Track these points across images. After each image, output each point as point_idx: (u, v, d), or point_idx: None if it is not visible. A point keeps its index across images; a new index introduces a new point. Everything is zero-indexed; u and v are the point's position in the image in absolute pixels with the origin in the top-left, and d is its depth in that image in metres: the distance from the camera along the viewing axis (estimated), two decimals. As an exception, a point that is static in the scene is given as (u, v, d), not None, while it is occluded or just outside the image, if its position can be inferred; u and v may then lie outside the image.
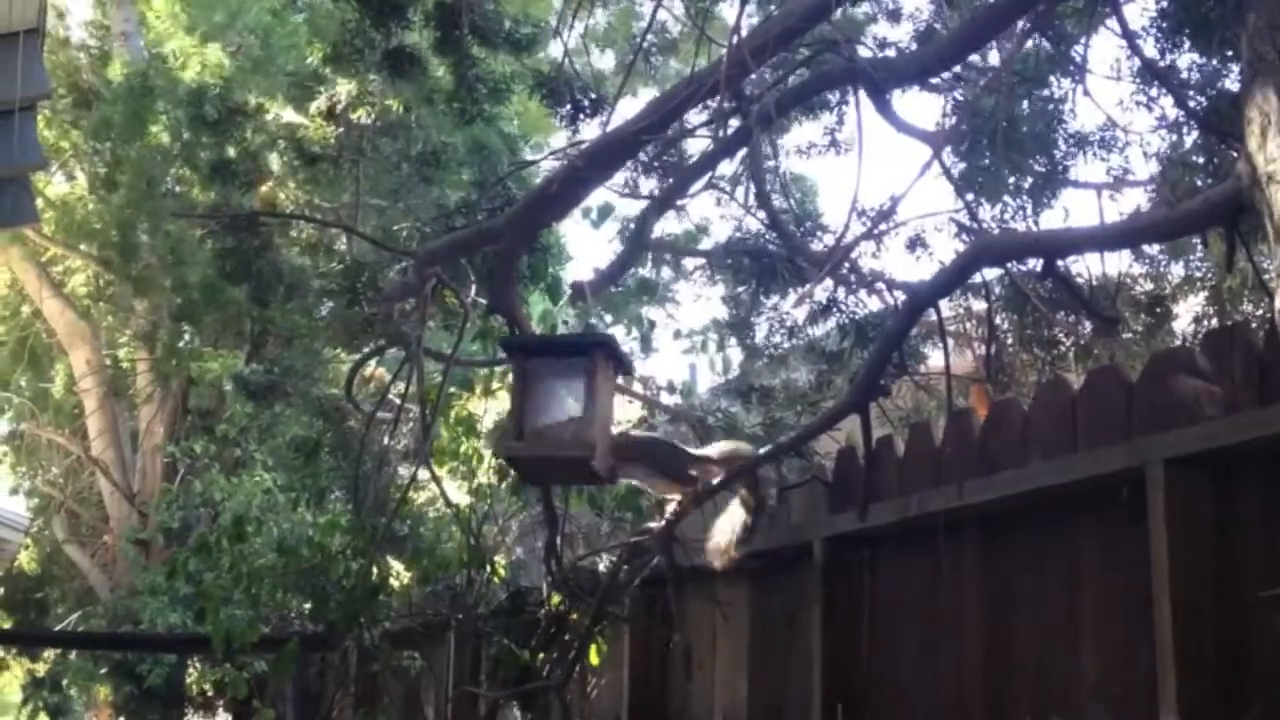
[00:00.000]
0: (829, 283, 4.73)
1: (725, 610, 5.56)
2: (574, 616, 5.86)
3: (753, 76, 4.27)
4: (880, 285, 4.24)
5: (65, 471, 18.81)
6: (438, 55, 7.00)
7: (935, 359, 5.74)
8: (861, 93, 4.11)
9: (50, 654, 18.13)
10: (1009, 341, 5.54)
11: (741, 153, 4.52)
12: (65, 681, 17.32)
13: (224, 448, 11.97)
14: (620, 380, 4.52)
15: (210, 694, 12.34)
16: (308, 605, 6.45)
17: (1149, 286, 5.97)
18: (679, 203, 5.03)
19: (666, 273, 9.27)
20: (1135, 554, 3.78)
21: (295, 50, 10.14)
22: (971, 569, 4.52)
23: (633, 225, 5.37)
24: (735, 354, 6.47)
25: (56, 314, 16.94)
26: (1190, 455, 3.64)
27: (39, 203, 17.28)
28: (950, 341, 5.84)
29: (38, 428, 18.94)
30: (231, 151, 8.29)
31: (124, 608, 13.10)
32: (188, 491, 11.95)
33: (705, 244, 8.18)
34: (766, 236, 5.04)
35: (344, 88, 7.46)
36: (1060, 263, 3.85)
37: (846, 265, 4.38)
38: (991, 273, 4.98)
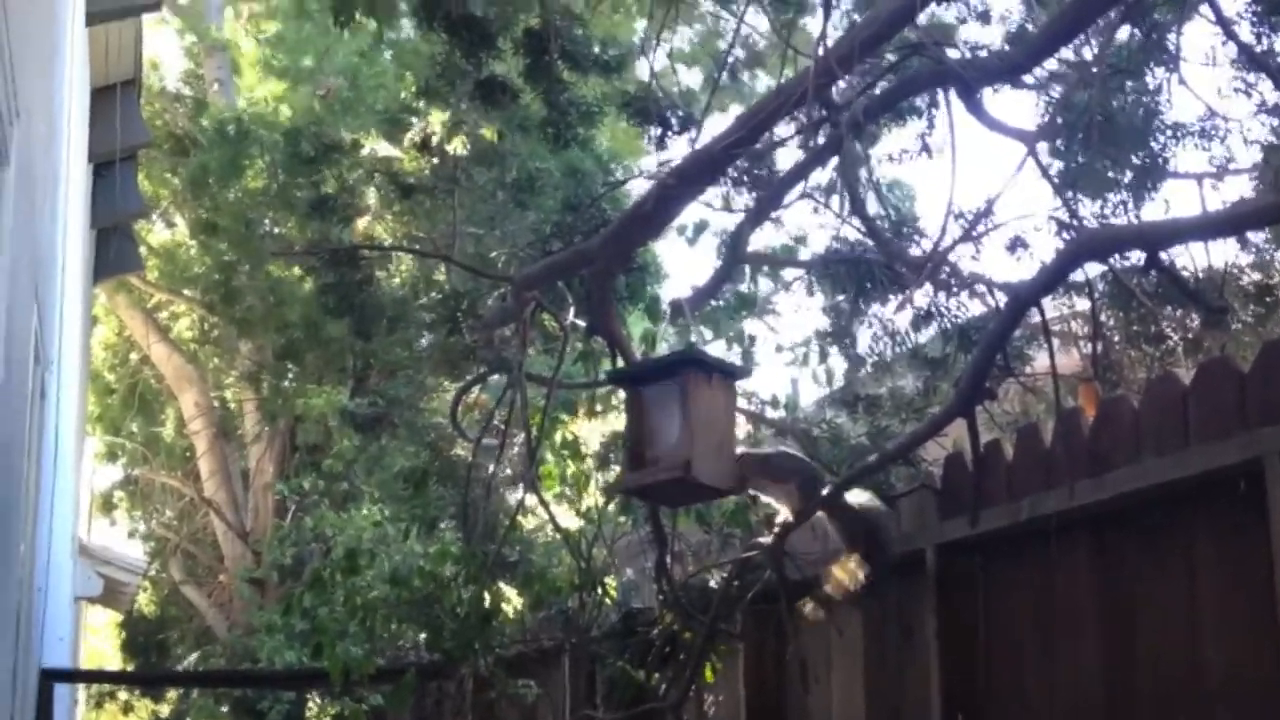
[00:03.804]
0: (929, 288, 4.69)
1: (840, 624, 5.52)
2: (687, 635, 5.84)
3: (840, 84, 4.25)
4: (981, 287, 4.17)
5: (179, 514, 19.14)
6: (529, 82, 7.05)
7: (1041, 360, 5.67)
8: (953, 94, 4.07)
9: (174, 694, 18.46)
10: (1116, 339, 5.45)
11: (833, 162, 4.49)
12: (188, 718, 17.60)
13: (332, 483, 12.09)
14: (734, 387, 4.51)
15: (332, 728, 12.47)
16: (423, 635, 6.47)
17: (1257, 276, 5.84)
18: (773, 215, 5.02)
19: (766, 285, 9.24)
20: (1255, 548, 3.72)
21: (384, 89, 10.28)
22: (1086, 571, 4.46)
23: (728, 240, 5.37)
24: (838, 365, 6.42)
25: (164, 359, 17.28)
26: (1309, 445, 3.57)
27: (142, 250, 17.68)
28: (1056, 341, 5.77)
29: (151, 471, 19.28)
30: (329, 188, 8.40)
31: (242, 646, 13.26)
32: (299, 528, 12.08)
33: (804, 255, 8.13)
34: (864, 244, 5.01)
35: (437, 119, 7.54)
36: (1164, 255, 3.79)
37: (946, 268, 4.34)
38: (1094, 269, 4.92)
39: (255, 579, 15.20)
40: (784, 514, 4.79)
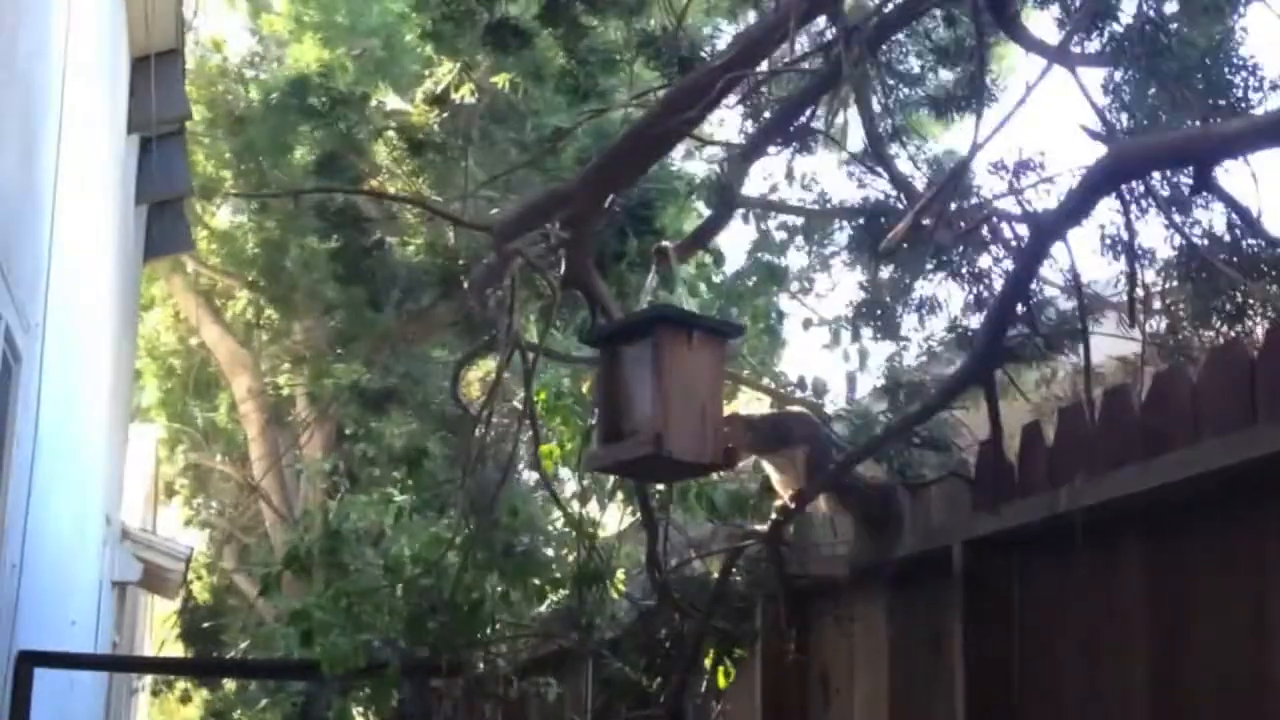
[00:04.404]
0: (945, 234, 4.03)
1: (857, 627, 4.95)
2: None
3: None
4: (995, 220, 3.53)
5: (233, 501, 18.93)
6: (545, 26, 6.46)
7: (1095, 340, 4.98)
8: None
9: (230, 684, 18.21)
10: (1182, 315, 4.75)
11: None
12: (237, 713, 17.33)
13: (364, 465, 11.60)
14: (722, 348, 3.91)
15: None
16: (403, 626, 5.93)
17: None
18: (772, 151, 4.42)
19: (801, 259, 8.57)
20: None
21: (420, 50, 9.73)
22: (1136, 569, 3.83)
23: (717, 182, 4.77)
24: (875, 345, 5.76)
25: (217, 342, 17.00)
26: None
27: (205, 234, 17.42)
28: (1115, 317, 5.11)
29: (208, 458, 19.06)
30: (336, 143, 7.88)
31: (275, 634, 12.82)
32: (325, 512, 11.59)
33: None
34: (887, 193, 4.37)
35: (446, 67, 6.98)
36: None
37: (964, 210, 3.70)
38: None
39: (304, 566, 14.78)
40: (784, 497, 4.20)
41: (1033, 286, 3.40)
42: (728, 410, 4.17)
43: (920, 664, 4.72)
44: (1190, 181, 2.88)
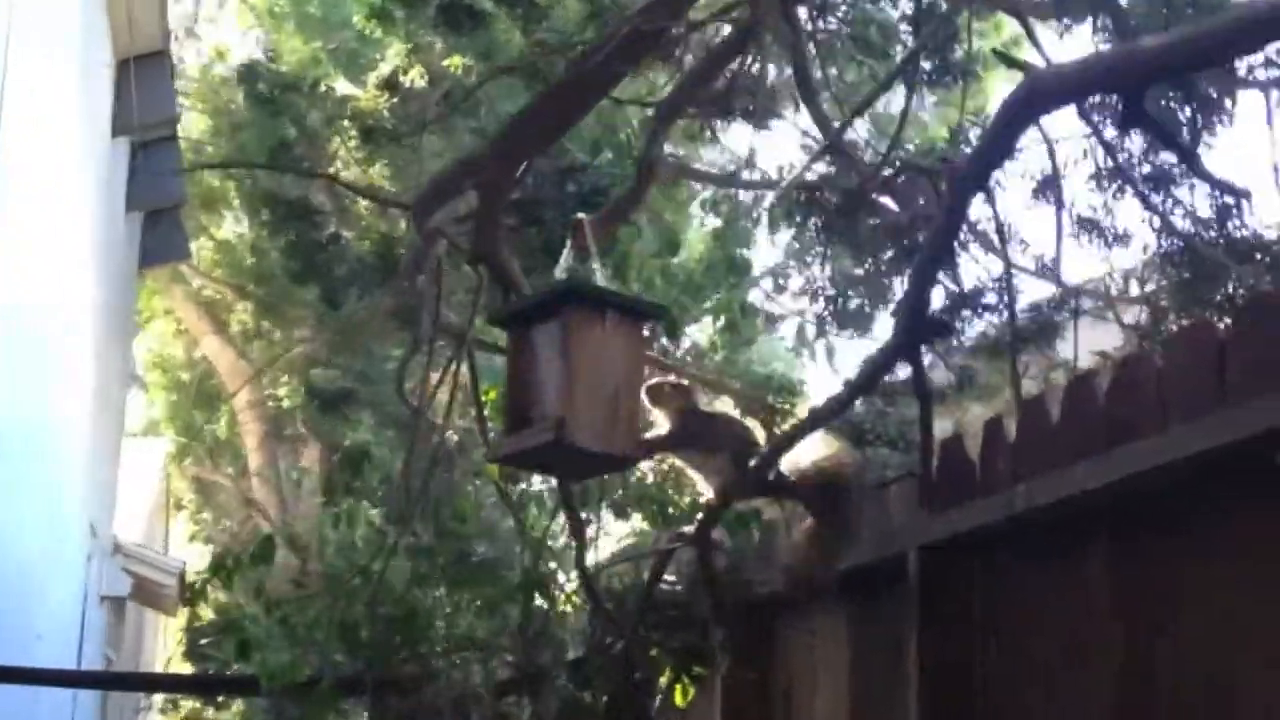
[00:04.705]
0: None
1: (818, 638, 4.62)
2: (653, 652, 4.95)
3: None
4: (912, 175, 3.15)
5: (229, 514, 18.65)
6: (501, 5, 6.12)
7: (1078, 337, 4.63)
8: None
9: (237, 705, 17.91)
10: (1165, 306, 4.40)
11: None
12: (232, 727, 17.01)
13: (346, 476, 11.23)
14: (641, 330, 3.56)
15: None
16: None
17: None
18: (692, 112, 4.08)
19: (773, 256, 8.19)
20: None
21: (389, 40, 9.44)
22: (1106, 563, 3.51)
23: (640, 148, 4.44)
24: (842, 342, 5.40)
25: (218, 353, 16.74)
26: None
27: (210, 244, 17.17)
28: (1090, 313, 4.78)
29: (212, 472, 18.81)
30: (289, 131, 7.58)
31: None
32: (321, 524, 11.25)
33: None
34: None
35: (398, 50, 6.66)
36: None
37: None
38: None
39: (297, 582, 14.47)
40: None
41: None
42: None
43: (879, 672, 4.40)
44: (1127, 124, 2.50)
